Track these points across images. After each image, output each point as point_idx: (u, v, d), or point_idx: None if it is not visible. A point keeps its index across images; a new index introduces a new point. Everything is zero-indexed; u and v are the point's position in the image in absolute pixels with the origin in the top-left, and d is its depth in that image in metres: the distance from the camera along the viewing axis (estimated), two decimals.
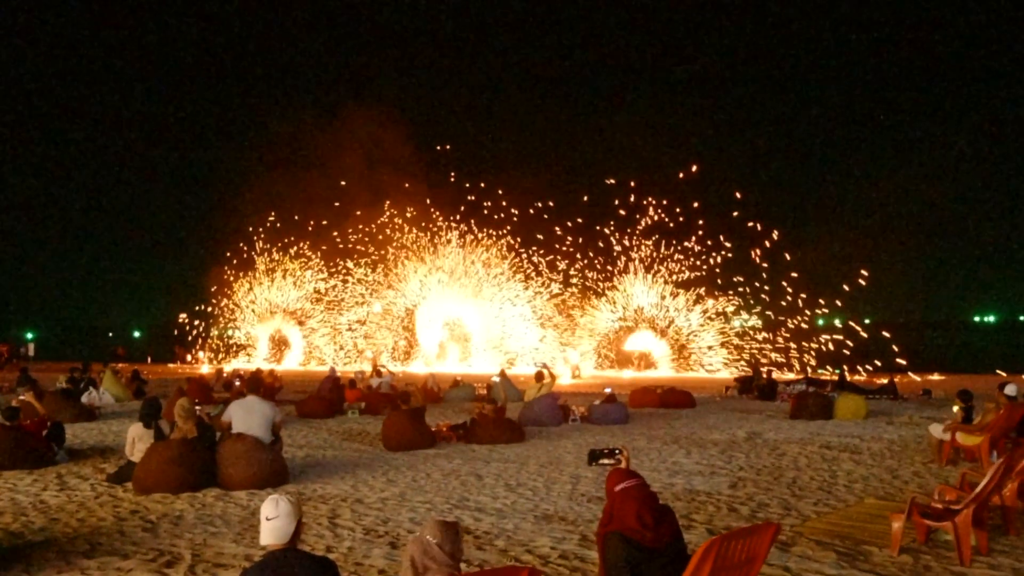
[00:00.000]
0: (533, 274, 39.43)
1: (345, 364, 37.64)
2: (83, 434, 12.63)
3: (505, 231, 39.85)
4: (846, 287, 34.55)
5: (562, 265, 39.02)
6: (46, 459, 9.77)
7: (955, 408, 10.52)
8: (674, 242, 36.90)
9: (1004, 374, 24.21)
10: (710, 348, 35.65)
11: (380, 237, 41.66)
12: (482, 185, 40.53)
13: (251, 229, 43.51)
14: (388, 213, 41.46)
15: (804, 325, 34.74)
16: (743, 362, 33.85)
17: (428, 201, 41.63)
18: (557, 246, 39.00)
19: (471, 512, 7.27)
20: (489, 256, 39.97)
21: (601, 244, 38.30)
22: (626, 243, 37.75)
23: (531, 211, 39.31)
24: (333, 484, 8.61)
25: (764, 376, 22.58)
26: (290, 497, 3.66)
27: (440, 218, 41.00)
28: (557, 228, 38.99)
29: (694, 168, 38.70)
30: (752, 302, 35.85)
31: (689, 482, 8.73)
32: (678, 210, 37.22)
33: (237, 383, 17.69)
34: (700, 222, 36.87)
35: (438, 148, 45.35)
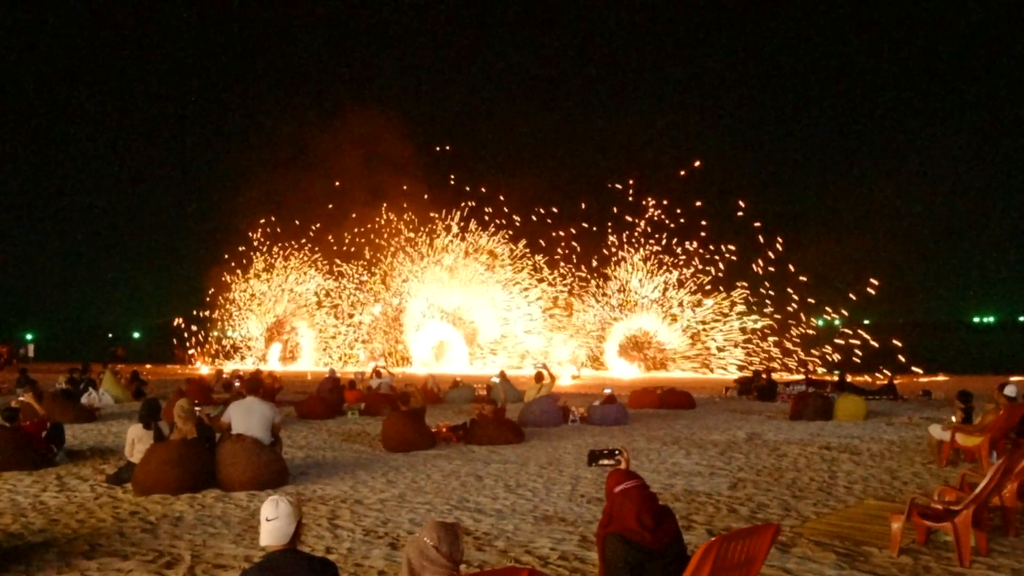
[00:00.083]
0: (533, 270, 39.40)
1: (343, 364, 37.64)
2: (83, 435, 12.63)
3: (507, 236, 39.84)
4: (847, 291, 34.54)
5: (562, 269, 38.97)
6: (46, 460, 9.77)
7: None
8: (676, 242, 36.78)
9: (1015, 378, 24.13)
10: (720, 350, 35.41)
11: (377, 241, 41.72)
12: (483, 189, 40.49)
13: (251, 233, 43.56)
14: (386, 217, 41.49)
15: (811, 331, 34.46)
16: (758, 364, 33.44)
17: (426, 196, 41.66)
18: (560, 251, 38.92)
19: (471, 513, 7.27)
20: (490, 258, 39.95)
21: (605, 252, 38.19)
22: (628, 250, 37.66)
23: (533, 217, 39.26)
24: (333, 485, 8.61)
25: (764, 377, 22.59)
26: (290, 498, 3.66)
27: (438, 218, 41.03)
28: (561, 232, 38.84)
29: (696, 163, 38.67)
30: (754, 305, 35.75)
31: (689, 483, 8.73)
32: (679, 211, 37.18)
33: (237, 384, 17.67)
34: (703, 223, 36.78)
35: (437, 149, 45.43)
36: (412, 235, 41.08)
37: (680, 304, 36.34)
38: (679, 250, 36.64)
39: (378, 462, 10.17)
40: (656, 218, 37.33)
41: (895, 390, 20.19)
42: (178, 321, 44.59)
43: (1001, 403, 9.88)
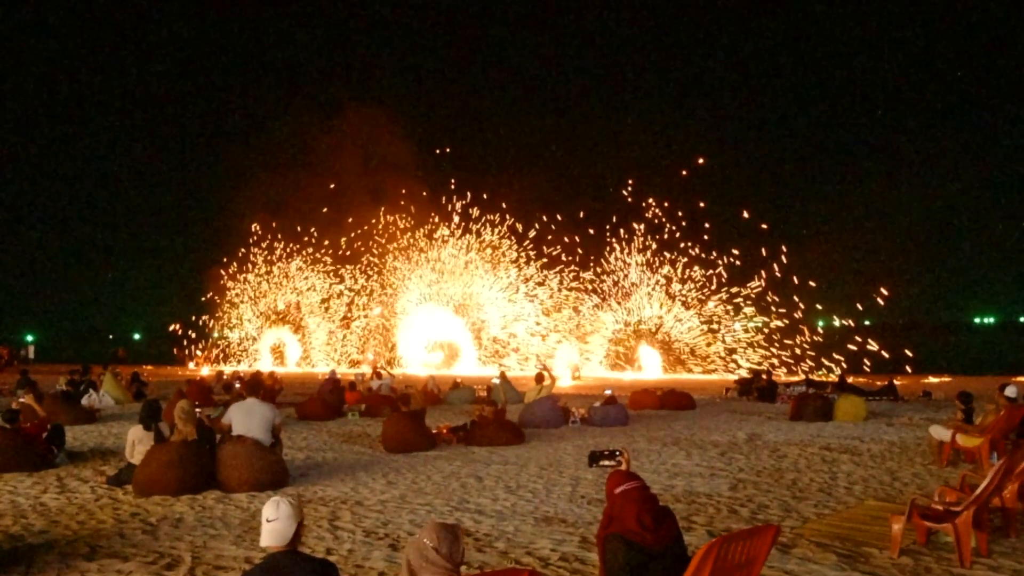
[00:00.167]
0: (535, 272, 39.35)
1: (340, 365, 37.63)
2: (83, 436, 12.63)
3: (510, 238, 39.80)
4: (853, 298, 34.42)
5: (564, 274, 38.88)
6: (46, 461, 9.77)
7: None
8: (681, 244, 36.64)
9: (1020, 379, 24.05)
10: (732, 352, 35.27)
11: (375, 247, 41.70)
12: (484, 196, 40.41)
13: (250, 234, 43.56)
14: (383, 220, 41.46)
15: (819, 338, 34.28)
16: (767, 366, 33.20)
17: (424, 194, 41.61)
18: (564, 258, 38.82)
19: (471, 514, 7.27)
20: (494, 253, 39.88)
21: (609, 262, 38.08)
22: (631, 257, 37.54)
23: (536, 226, 39.20)
24: (333, 486, 8.61)
25: (764, 378, 22.59)
26: (291, 499, 3.66)
27: (439, 217, 41.00)
28: (566, 238, 38.75)
29: (700, 160, 38.60)
30: (759, 309, 35.60)
31: (689, 484, 8.73)
32: (680, 213, 37.10)
33: (237, 385, 17.67)
34: (707, 224, 36.67)
35: (437, 152, 45.38)
36: (411, 236, 41.10)
37: (686, 306, 36.26)
38: (681, 255, 36.61)
39: (378, 463, 10.17)
40: (657, 220, 37.33)
41: (895, 391, 20.18)
42: (175, 327, 44.66)
43: (1001, 404, 9.87)
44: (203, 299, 44.07)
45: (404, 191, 41.33)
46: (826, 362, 32.72)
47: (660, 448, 11.45)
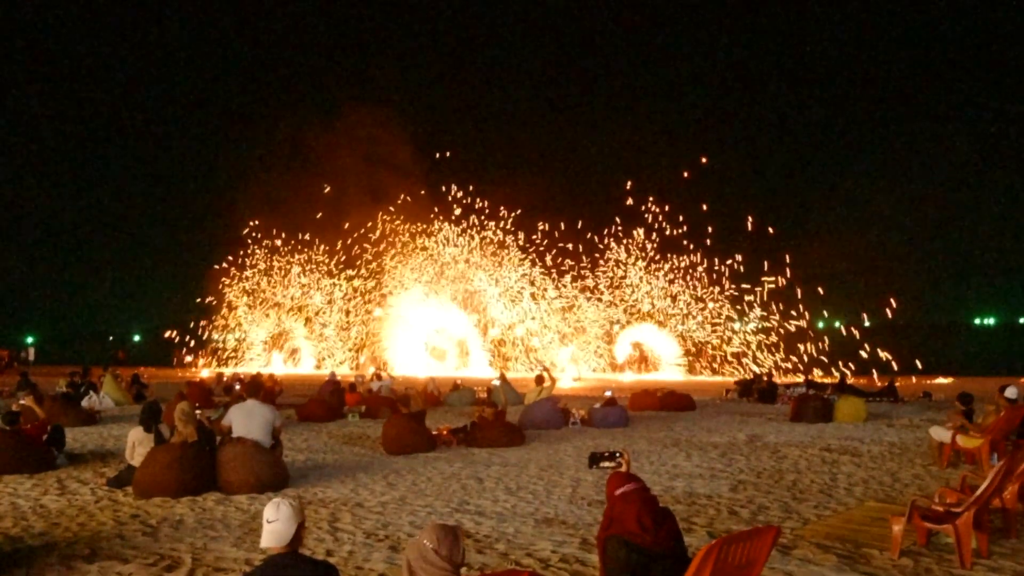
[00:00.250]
0: (537, 276, 39.35)
1: (339, 365, 37.63)
2: (83, 438, 12.63)
3: (514, 237, 39.78)
4: (861, 308, 34.31)
5: (567, 279, 38.86)
6: (46, 463, 9.76)
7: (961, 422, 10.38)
8: (682, 251, 36.58)
9: None
10: (743, 355, 35.13)
11: (374, 247, 41.71)
12: (485, 204, 40.34)
13: (251, 234, 43.57)
14: (382, 220, 41.46)
15: (824, 345, 34.22)
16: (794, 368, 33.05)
17: (423, 192, 41.63)
18: (567, 263, 38.78)
19: (471, 516, 7.27)
20: (498, 250, 39.88)
21: (612, 269, 38.03)
22: (633, 262, 37.49)
23: (536, 234, 39.16)
24: (333, 488, 8.61)
25: (764, 379, 22.59)
26: (292, 501, 3.67)
27: (440, 216, 41.01)
28: (568, 245, 38.71)
29: (703, 160, 38.54)
30: (754, 312, 35.55)
31: (689, 485, 8.73)
32: (681, 218, 37.04)
33: (237, 387, 17.68)
34: (709, 228, 36.61)
35: (437, 156, 45.34)
36: (411, 235, 41.08)
37: (689, 312, 36.22)
38: (683, 259, 36.59)
39: (378, 465, 10.17)
40: (658, 225, 37.30)
41: (895, 392, 20.19)
42: (170, 333, 44.69)
43: (1002, 405, 9.88)
44: (202, 301, 44.14)
45: (404, 192, 41.41)
46: (838, 368, 32.66)
47: (660, 449, 11.45)
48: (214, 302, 43.62)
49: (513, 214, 39.81)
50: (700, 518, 7.15)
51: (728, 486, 8.67)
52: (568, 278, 38.78)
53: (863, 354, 32.69)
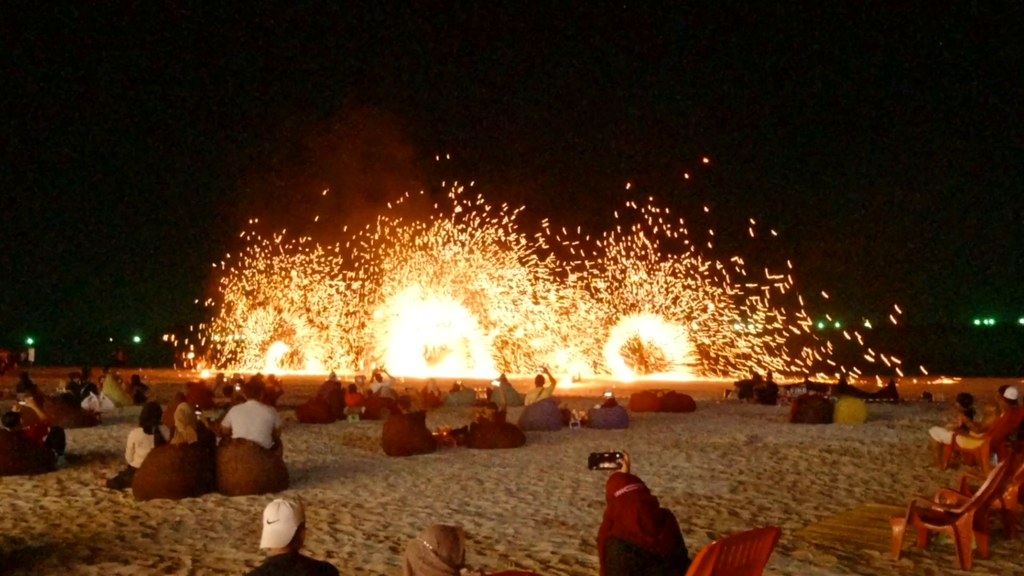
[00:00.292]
0: (538, 278, 39.29)
1: (338, 367, 37.63)
2: (83, 439, 12.62)
3: (515, 236, 39.74)
4: (862, 314, 34.23)
5: (569, 280, 38.81)
6: (46, 464, 9.76)
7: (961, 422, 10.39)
8: (682, 254, 36.48)
9: None
10: (747, 357, 35.06)
11: (374, 248, 41.68)
12: (486, 207, 40.29)
13: (248, 237, 43.56)
14: (382, 221, 41.46)
15: (825, 350, 34.10)
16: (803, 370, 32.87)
17: (422, 192, 41.56)
18: (567, 264, 38.74)
19: (471, 517, 7.27)
20: (500, 249, 39.86)
21: (614, 272, 37.99)
22: (633, 264, 37.44)
23: (537, 237, 39.09)
24: (333, 489, 8.61)
25: (764, 380, 22.59)
26: (292, 502, 3.67)
27: (440, 215, 40.98)
28: (571, 249, 38.62)
29: (705, 160, 38.46)
30: (758, 314, 35.45)
31: (690, 486, 8.73)
32: (681, 221, 36.95)
33: (237, 388, 17.68)
34: (711, 231, 36.48)
35: (437, 158, 45.32)
36: (410, 235, 41.07)
37: (690, 315, 36.13)
38: (684, 261, 36.52)
39: (379, 466, 10.17)
40: (660, 225, 37.23)
41: (895, 393, 20.19)
42: (169, 337, 44.66)
43: (1002, 406, 9.88)
44: (202, 302, 44.12)
45: (404, 192, 41.38)
46: (844, 370, 32.60)
47: (660, 450, 11.45)
48: (213, 303, 43.66)
49: (516, 211, 39.73)
50: (700, 519, 7.15)
51: (728, 487, 8.67)
52: (570, 279, 38.76)
53: (868, 358, 32.63)
